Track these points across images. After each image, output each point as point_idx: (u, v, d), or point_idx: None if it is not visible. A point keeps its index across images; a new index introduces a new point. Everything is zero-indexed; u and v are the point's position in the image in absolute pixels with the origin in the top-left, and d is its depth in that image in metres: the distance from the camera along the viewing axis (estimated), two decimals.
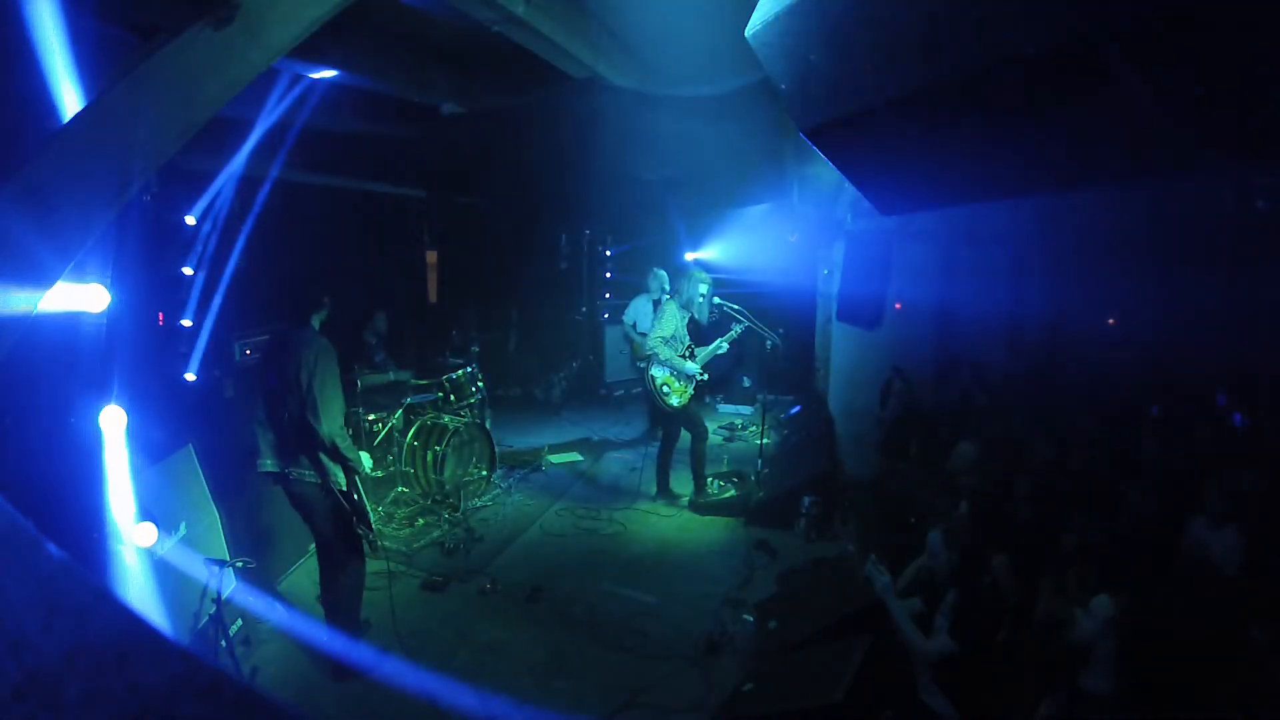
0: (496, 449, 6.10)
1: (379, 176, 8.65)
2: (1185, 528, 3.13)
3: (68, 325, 3.14)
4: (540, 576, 4.67)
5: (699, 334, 5.97)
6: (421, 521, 5.51)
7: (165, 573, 3.42)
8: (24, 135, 2.49)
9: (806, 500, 5.35)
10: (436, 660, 3.81)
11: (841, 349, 6.83)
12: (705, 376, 5.86)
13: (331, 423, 3.41)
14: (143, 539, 3.20)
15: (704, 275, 5.79)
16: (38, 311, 2.57)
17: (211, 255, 6.02)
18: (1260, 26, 0.85)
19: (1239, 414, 4.56)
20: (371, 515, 3.77)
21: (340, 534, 3.65)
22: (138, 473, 3.41)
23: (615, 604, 4.38)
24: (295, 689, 3.56)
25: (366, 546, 3.84)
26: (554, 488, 6.35)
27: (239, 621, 3.85)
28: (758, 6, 1.48)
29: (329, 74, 5.22)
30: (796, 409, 7.59)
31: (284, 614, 3.96)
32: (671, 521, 5.67)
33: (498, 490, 6.15)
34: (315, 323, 3.59)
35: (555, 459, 7.01)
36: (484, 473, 6.00)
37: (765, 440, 6.45)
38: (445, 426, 5.64)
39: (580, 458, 7.12)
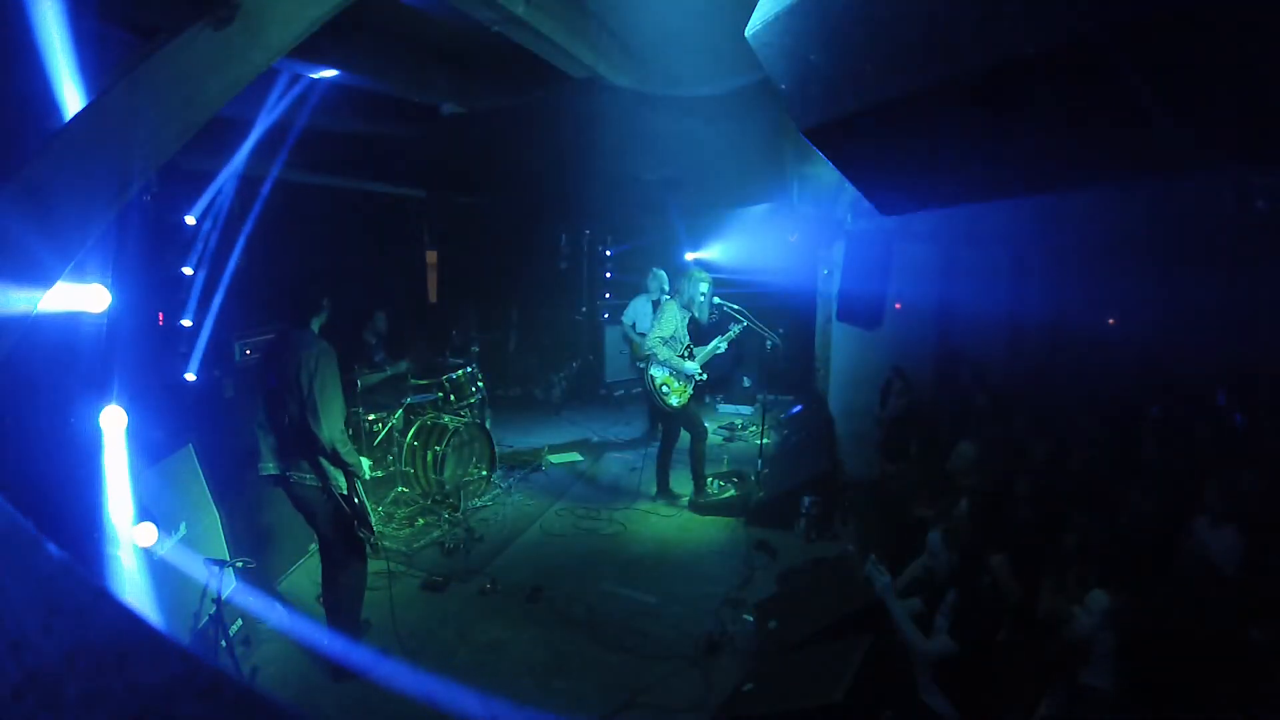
0: (496, 449, 6.10)
1: (379, 176, 8.65)
2: (1186, 528, 3.13)
3: (68, 325, 3.14)
4: (540, 576, 4.67)
5: (699, 334, 5.97)
6: (421, 521, 5.51)
7: (165, 573, 3.42)
8: (24, 135, 2.49)
9: (806, 500, 5.35)
10: (436, 660, 3.81)
11: (841, 349, 6.82)
12: (704, 376, 5.86)
13: (332, 427, 3.40)
14: (143, 539, 3.20)
15: (704, 275, 5.79)
16: (38, 311, 2.57)
17: (211, 255, 6.03)
18: (1261, 26, 0.85)
19: (1239, 414, 4.56)
20: (373, 517, 3.77)
21: (341, 536, 3.64)
22: (138, 473, 3.41)
23: (615, 604, 4.38)
24: (295, 689, 3.56)
25: (368, 548, 3.84)
26: (554, 488, 6.35)
27: (239, 621, 3.85)
28: (758, 6, 1.48)
29: (329, 74, 5.22)
30: (798, 408, 7.58)
31: (284, 615, 3.96)
32: (671, 521, 5.67)
33: (498, 490, 6.15)
34: (315, 325, 3.58)
35: (555, 459, 7.01)
36: (484, 473, 6.00)
37: (765, 440, 6.45)
38: (445, 426, 5.64)
39: (580, 458, 7.12)
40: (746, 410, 8.93)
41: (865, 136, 1.48)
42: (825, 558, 4.81)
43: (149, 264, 5.03)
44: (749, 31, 1.51)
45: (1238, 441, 4.26)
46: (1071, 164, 1.30)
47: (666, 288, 7.04)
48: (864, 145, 1.54)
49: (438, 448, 5.54)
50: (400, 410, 5.78)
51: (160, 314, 5.64)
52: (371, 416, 5.71)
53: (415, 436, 5.69)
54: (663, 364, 5.63)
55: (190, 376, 5.55)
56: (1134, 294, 6.14)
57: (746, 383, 9.23)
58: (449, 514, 5.57)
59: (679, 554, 5.14)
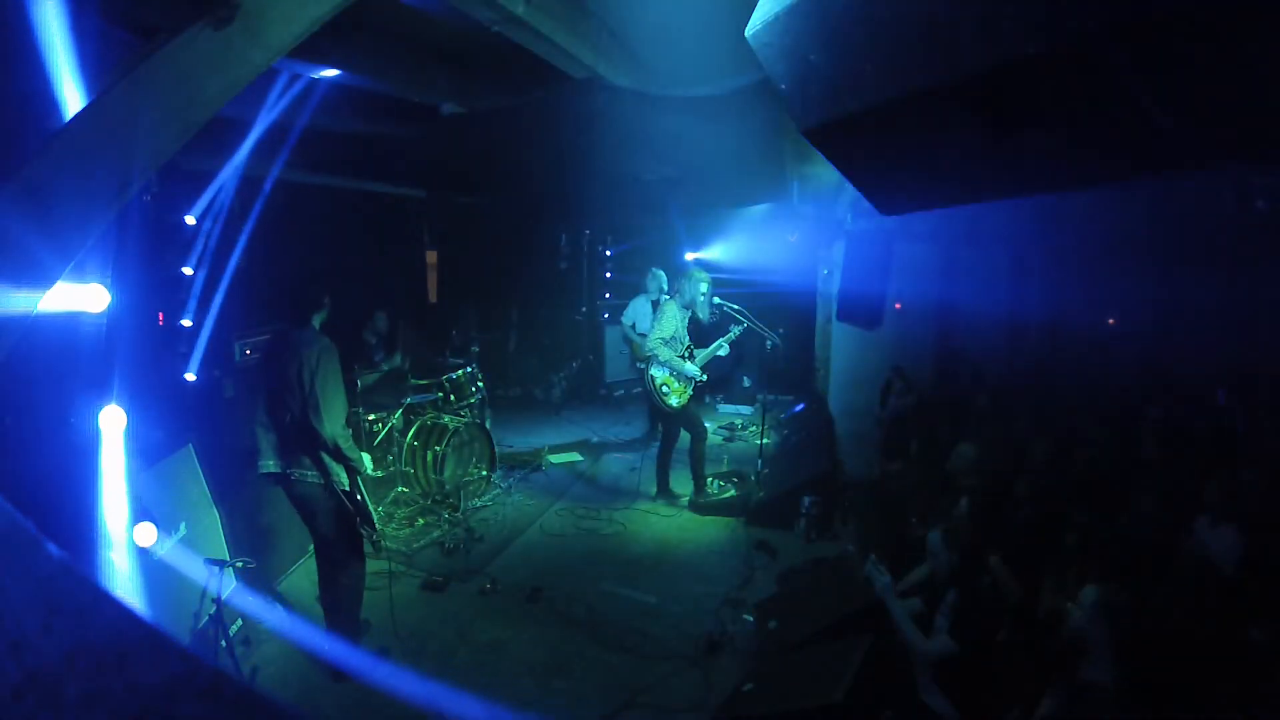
0: (496, 449, 6.10)
1: (379, 176, 8.65)
2: (1186, 527, 3.13)
3: (68, 325, 3.14)
4: (540, 576, 4.67)
5: (699, 334, 5.97)
6: (421, 521, 5.51)
7: (165, 573, 3.42)
8: (24, 135, 2.50)
9: (806, 500, 5.35)
10: (436, 660, 3.81)
11: (841, 349, 6.83)
12: (704, 377, 5.86)
13: (334, 423, 3.40)
14: (142, 539, 3.20)
15: (704, 275, 5.79)
16: (38, 311, 2.57)
17: (211, 255, 6.03)
18: (1262, 26, 0.85)
19: (1239, 414, 4.56)
20: (374, 515, 3.77)
21: (342, 535, 3.64)
22: (137, 473, 3.42)
23: (615, 604, 4.38)
24: (295, 689, 3.56)
25: (369, 546, 3.83)
26: (554, 488, 6.35)
27: (239, 621, 3.85)
28: (758, 6, 1.48)
29: (329, 74, 5.22)
30: (801, 406, 7.57)
31: (284, 618, 3.95)
32: (671, 521, 5.67)
33: (498, 490, 6.15)
34: (316, 322, 3.58)
35: (555, 459, 7.01)
36: (484, 473, 6.00)
37: (765, 440, 6.45)
38: (445, 426, 5.65)
39: (580, 458, 7.12)
40: (746, 410, 8.93)
41: (865, 136, 1.48)
42: (825, 558, 4.81)
43: (149, 264, 5.03)
44: (749, 31, 1.51)
45: (1238, 441, 4.26)
46: (1071, 164, 1.30)
47: (666, 288, 7.04)
48: (864, 145, 1.54)
49: (438, 448, 5.54)
50: (400, 410, 5.78)
51: (160, 314, 5.64)
52: (371, 416, 5.71)
53: (415, 436, 5.69)
54: (663, 364, 5.64)
55: (190, 376, 5.55)
56: (1134, 294, 6.14)
57: (746, 383, 9.24)
58: (449, 514, 5.57)
59: (679, 554, 5.14)
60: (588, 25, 5.07)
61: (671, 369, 5.65)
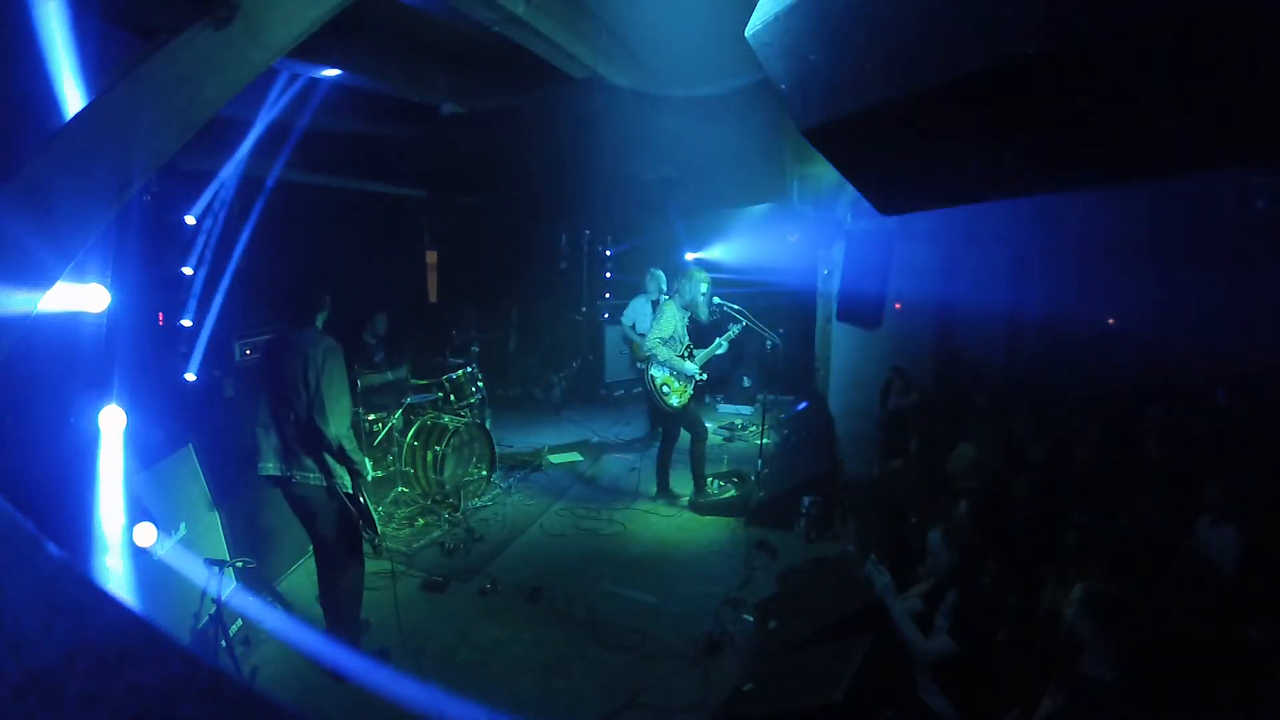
0: (496, 449, 6.10)
1: (379, 176, 8.65)
2: (1186, 527, 3.13)
3: (68, 325, 3.14)
4: (540, 576, 4.67)
5: (699, 334, 5.97)
6: (421, 521, 5.51)
7: (165, 573, 3.42)
8: (24, 135, 2.50)
9: (806, 500, 5.35)
10: (436, 660, 3.81)
11: (841, 349, 6.83)
12: (704, 377, 5.86)
13: (339, 424, 3.37)
14: (142, 539, 3.20)
15: (704, 275, 5.79)
16: (38, 311, 2.58)
17: (212, 255, 6.03)
18: (1264, 26, 0.85)
19: (1239, 413, 4.56)
20: (376, 518, 3.75)
21: (341, 537, 3.62)
22: (137, 473, 3.41)
23: (615, 604, 4.38)
24: (295, 689, 3.56)
25: (369, 548, 3.82)
26: (554, 488, 6.35)
27: (239, 621, 3.85)
28: (758, 6, 1.48)
29: (330, 73, 5.22)
30: (803, 405, 7.57)
31: (284, 620, 3.93)
32: (671, 521, 5.67)
33: (498, 490, 6.15)
34: (319, 322, 3.56)
35: (555, 459, 7.01)
36: (484, 473, 6.00)
37: (765, 440, 6.45)
38: (445, 426, 5.65)
39: (580, 458, 7.12)
40: (746, 410, 8.93)
41: (865, 136, 1.48)
42: (825, 558, 4.81)
43: (149, 264, 5.03)
44: (749, 31, 1.50)
45: (1238, 441, 4.26)
46: (1072, 165, 1.30)
47: (665, 287, 7.04)
48: (864, 145, 1.54)
49: (438, 448, 5.54)
50: (400, 410, 5.78)
51: (160, 314, 5.64)
52: (371, 416, 5.72)
53: (415, 436, 5.69)
54: (663, 364, 5.64)
55: (190, 376, 5.55)
56: (1134, 294, 6.14)
57: (746, 383, 9.24)
58: (449, 514, 5.57)
59: (679, 554, 5.14)
60: (588, 25, 5.07)
61: (671, 369, 5.65)
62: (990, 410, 5.28)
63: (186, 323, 5.78)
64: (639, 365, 6.35)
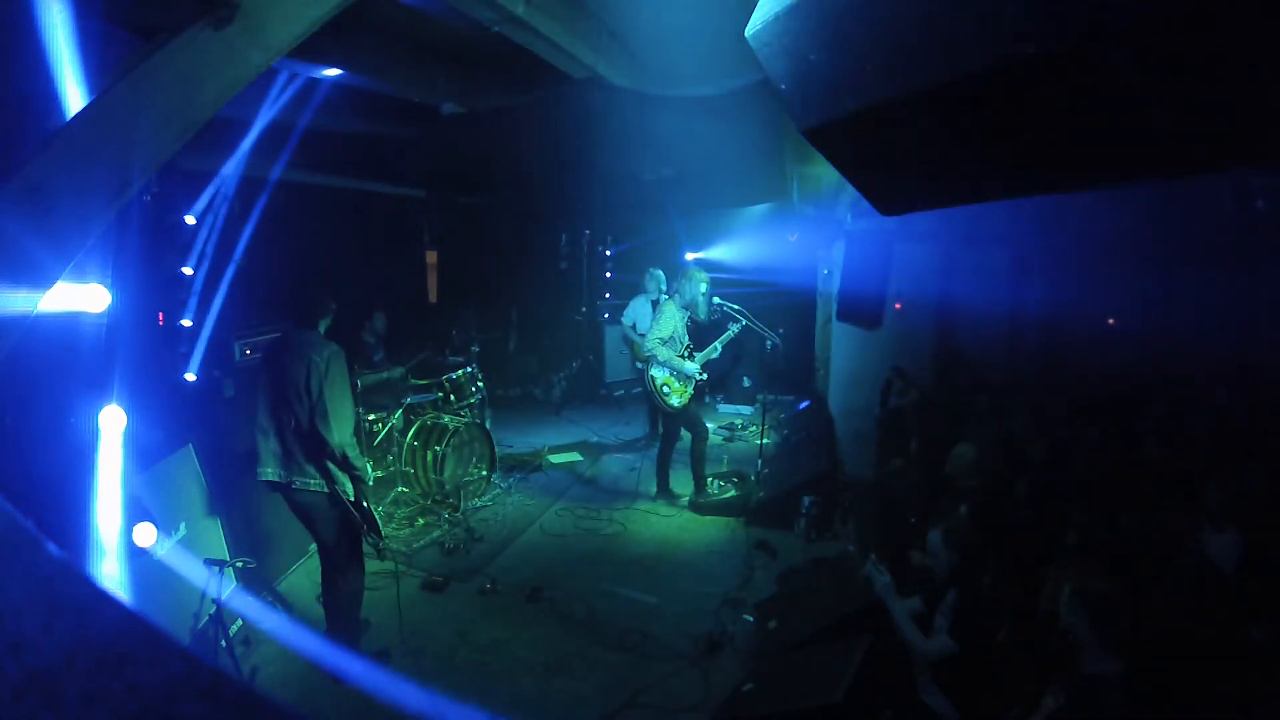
0: (496, 449, 6.10)
1: (379, 176, 8.65)
2: (1186, 527, 3.13)
3: (68, 325, 3.14)
4: (540, 576, 4.67)
5: (699, 334, 5.97)
6: (421, 521, 5.51)
7: (165, 573, 3.42)
8: (24, 135, 2.50)
9: (806, 500, 5.35)
10: (436, 660, 3.81)
11: (841, 349, 6.83)
12: (704, 376, 5.86)
13: (342, 432, 3.32)
14: (142, 539, 3.20)
15: (703, 274, 5.79)
16: (38, 312, 2.58)
17: (212, 255, 6.03)
18: (1266, 26, 0.85)
19: (1239, 413, 4.56)
20: (378, 520, 3.73)
21: (342, 542, 3.59)
22: (137, 473, 3.41)
23: (615, 604, 4.38)
24: (295, 689, 3.56)
25: (373, 551, 3.79)
26: (554, 488, 6.35)
27: (239, 621, 3.85)
28: (757, 6, 1.48)
29: (330, 73, 5.22)
30: (805, 404, 7.57)
31: (283, 623, 3.92)
32: (671, 521, 5.67)
33: (498, 490, 6.15)
34: (322, 327, 3.54)
35: (555, 459, 7.01)
36: (484, 473, 6.00)
37: (765, 440, 6.45)
38: (445, 426, 5.65)
39: (580, 458, 7.12)
40: (746, 410, 8.93)
41: (865, 136, 1.48)
42: (825, 558, 4.81)
43: (149, 264, 5.02)
44: (748, 31, 1.50)
45: (1238, 441, 4.26)
46: (1072, 164, 1.30)
47: (664, 287, 7.04)
48: (864, 145, 1.54)
49: (438, 448, 5.54)
50: (400, 410, 5.78)
51: (160, 314, 5.64)
52: (371, 416, 5.72)
53: (415, 436, 5.69)
54: (663, 365, 5.64)
55: (190, 376, 5.55)
56: (1134, 294, 6.14)
57: (746, 383, 9.24)
58: (449, 514, 5.57)
59: (679, 554, 5.14)
60: (588, 25, 5.07)
61: (672, 369, 5.65)
62: (990, 410, 5.29)
63: (186, 323, 5.78)
64: (639, 365, 6.36)
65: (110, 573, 3.12)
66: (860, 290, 6.48)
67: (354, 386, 5.31)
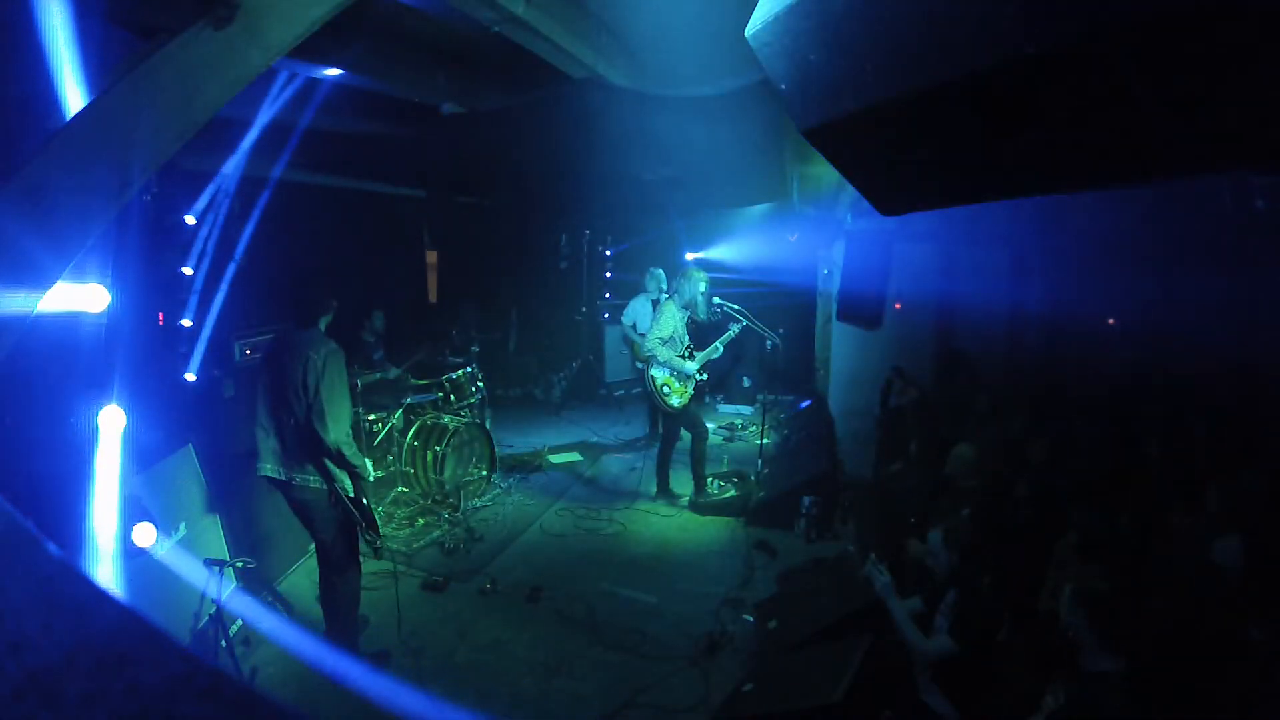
0: (496, 449, 6.10)
1: (379, 176, 8.65)
2: (1187, 527, 3.13)
3: (68, 325, 3.14)
4: (540, 576, 4.67)
5: (699, 334, 5.97)
6: (421, 521, 5.51)
7: (165, 573, 3.41)
8: (24, 135, 2.50)
9: (806, 500, 5.35)
10: (436, 660, 3.81)
11: (841, 349, 6.83)
12: (704, 377, 5.86)
13: (338, 429, 3.33)
14: (142, 539, 3.20)
15: (702, 274, 5.79)
16: (37, 312, 2.57)
17: (212, 255, 6.03)
18: (1268, 26, 0.85)
19: (1238, 412, 4.56)
20: (377, 519, 3.73)
21: (340, 541, 3.60)
22: (137, 473, 3.41)
23: (615, 604, 4.38)
24: (295, 689, 3.56)
25: (370, 550, 3.80)
26: (554, 488, 6.35)
27: (239, 621, 3.85)
28: (757, 6, 1.47)
29: (330, 73, 5.22)
30: (807, 402, 7.56)
31: (282, 626, 3.91)
32: (671, 521, 5.67)
33: (498, 490, 6.15)
34: (322, 325, 3.54)
35: (555, 459, 7.01)
36: (484, 473, 6.00)
37: (765, 440, 6.45)
38: (445, 426, 5.65)
39: (580, 458, 7.12)
40: (746, 410, 8.93)
41: (865, 136, 1.48)
42: (825, 558, 4.81)
43: (149, 264, 5.02)
44: (748, 31, 1.50)
45: (1238, 441, 4.26)
46: (1072, 164, 1.30)
47: (665, 287, 7.04)
48: (864, 145, 1.54)
49: (438, 448, 5.54)
50: (400, 410, 5.78)
51: (160, 314, 5.63)
52: (371, 416, 5.72)
53: (415, 436, 5.69)
54: (663, 365, 5.64)
55: (190, 376, 5.55)
56: (1134, 294, 6.13)
57: (746, 383, 9.24)
58: (449, 514, 5.57)
59: (679, 554, 5.14)
60: (587, 25, 5.07)
61: (672, 369, 5.65)
62: (990, 410, 5.28)
63: (186, 323, 5.78)
64: (639, 365, 6.36)
65: (110, 573, 3.12)
66: (860, 290, 6.48)
67: (353, 386, 5.31)
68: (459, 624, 4.15)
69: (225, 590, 3.41)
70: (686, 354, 5.72)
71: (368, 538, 3.64)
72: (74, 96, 2.57)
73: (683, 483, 6.07)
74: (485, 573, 4.72)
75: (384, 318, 6.45)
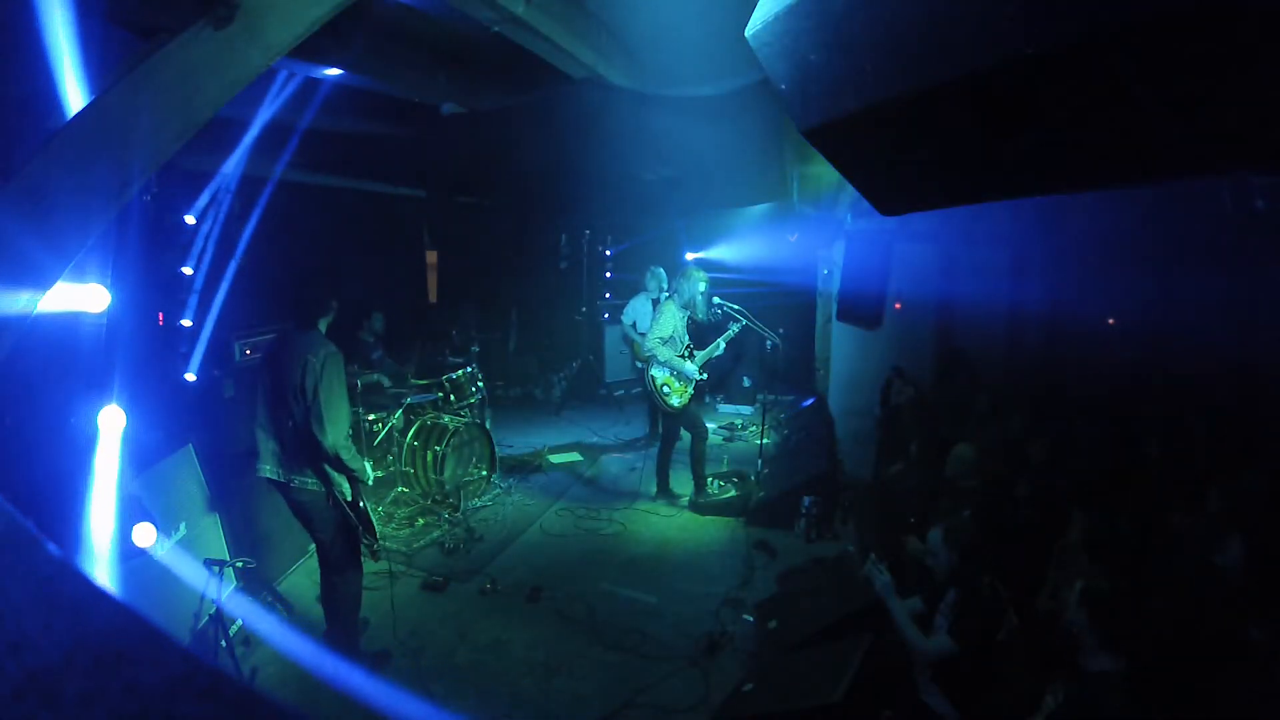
0: (496, 449, 6.10)
1: (379, 176, 8.65)
2: (1187, 527, 3.13)
3: (68, 325, 3.14)
4: (540, 576, 4.67)
5: (699, 333, 5.97)
6: (421, 521, 5.51)
7: (165, 573, 3.41)
8: (24, 135, 2.50)
9: (806, 500, 5.35)
10: (436, 660, 3.81)
11: (841, 349, 6.83)
12: (704, 376, 5.86)
13: (336, 433, 3.31)
14: (142, 539, 3.20)
15: (702, 274, 5.78)
16: (37, 312, 2.57)
17: (212, 255, 6.03)
18: (1269, 27, 0.85)
19: (1238, 412, 4.56)
20: (376, 523, 3.73)
21: (339, 542, 3.58)
22: (137, 473, 3.41)
23: (615, 604, 4.38)
24: (295, 689, 3.55)
25: (368, 553, 3.79)
26: (554, 488, 6.35)
27: (239, 621, 3.85)
28: (757, 6, 1.47)
29: (330, 73, 5.22)
30: (809, 401, 7.55)
31: (282, 628, 3.90)
32: (671, 521, 5.67)
33: (498, 490, 6.15)
34: (322, 326, 3.53)
35: (555, 459, 7.01)
36: (484, 473, 6.00)
37: (765, 440, 6.45)
38: (445, 426, 5.65)
39: (580, 458, 7.12)
40: (746, 410, 8.93)
41: (865, 136, 1.48)
42: (825, 558, 4.81)
43: (149, 264, 5.03)
44: (748, 31, 1.50)
45: (1238, 441, 4.26)
46: (1072, 164, 1.30)
47: (665, 286, 7.04)
48: (864, 145, 1.54)
49: (438, 448, 5.54)
50: (400, 410, 5.78)
51: (160, 314, 5.64)
52: (371, 416, 5.72)
53: (415, 436, 5.69)
54: (663, 365, 5.64)
55: (190, 376, 5.55)
56: (1133, 294, 6.13)
57: (746, 383, 9.23)
58: (449, 514, 5.57)
59: (679, 554, 5.14)
60: (587, 25, 5.07)
61: (672, 369, 5.65)
62: (990, 410, 5.28)
63: (186, 323, 5.78)
64: (639, 365, 6.36)
65: (110, 573, 3.12)
66: (860, 290, 6.48)
67: (353, 387, 5.31)
68: (459, 624, 4.15)
69: (225, 590, 3.40)
70: (686, 354, 5.72)
71: (365, 541, 3.63)
72: (74, 96, 2.56)
73: (683, 483, 6.07)
74: (485, 573, 4.72)
75: (383, 318, 6.45)
